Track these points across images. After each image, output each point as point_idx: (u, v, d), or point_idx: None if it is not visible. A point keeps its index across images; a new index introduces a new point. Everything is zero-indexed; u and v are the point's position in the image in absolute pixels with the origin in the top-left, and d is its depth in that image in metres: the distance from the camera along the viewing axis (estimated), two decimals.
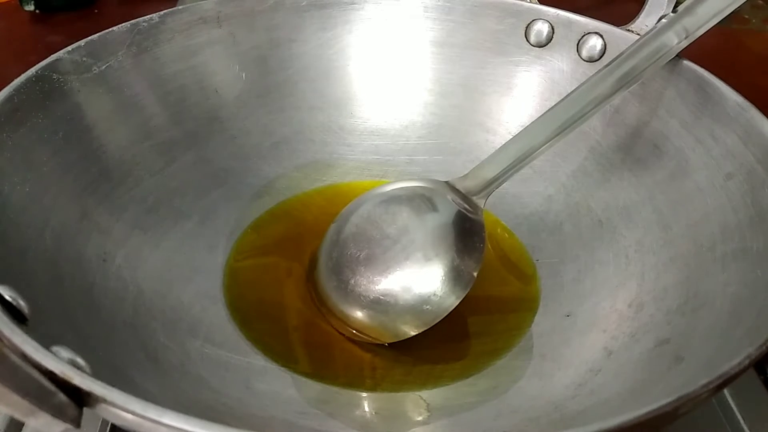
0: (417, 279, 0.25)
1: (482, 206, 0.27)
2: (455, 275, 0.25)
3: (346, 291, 0.25)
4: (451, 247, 0.25)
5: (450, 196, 0.26)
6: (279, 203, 0.31)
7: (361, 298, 0.25)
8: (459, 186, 0.27)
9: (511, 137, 0.27)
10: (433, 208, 0.26)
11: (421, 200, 0.26)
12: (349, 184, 0.32)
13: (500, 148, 0.27)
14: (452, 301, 0.24)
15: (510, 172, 0.26)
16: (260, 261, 0.29)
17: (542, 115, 0.26)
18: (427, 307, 0.24)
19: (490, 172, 0.26)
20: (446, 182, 0.27)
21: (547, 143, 0.26)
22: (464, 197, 0.26)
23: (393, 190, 0.27)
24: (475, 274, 0.25)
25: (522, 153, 0.26)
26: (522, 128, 0.27)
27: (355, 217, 0.27)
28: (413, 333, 0.24)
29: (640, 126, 0.28)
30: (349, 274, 0.25)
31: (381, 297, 0.25)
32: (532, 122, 0.26)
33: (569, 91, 0.26)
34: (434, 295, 0.24)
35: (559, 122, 0.26)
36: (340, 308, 0.25)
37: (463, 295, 0.24)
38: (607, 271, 0.26)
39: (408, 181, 0.28)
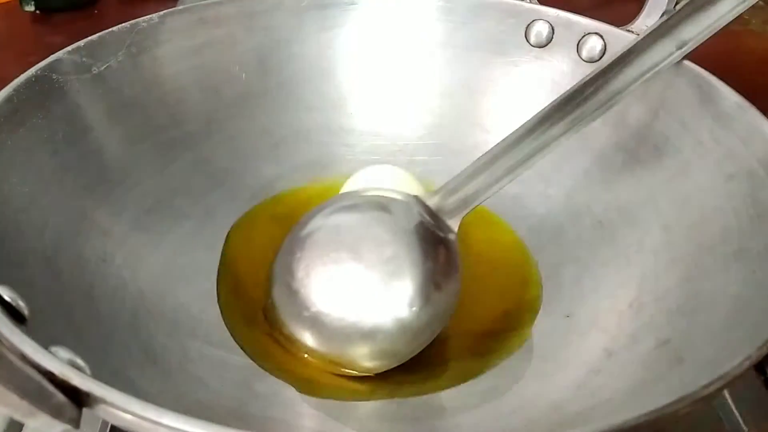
0: (390, 318, 0.23)
1: (455, 228, 0.25)
2: (432, 311, 0.23)
3: (321, 330, 0.23)
4: (427, 284, 0.23)
5: (420, 215, 0.24)
6: (279, 203, 0.31)
7: (338, 335, 0.23)
8: (430, 203, 0.25)
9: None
10: (406, 232, 0.24)
11: (391, 225, 0.24)
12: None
13: (479, 163, 0.25)
14: (427, 337, 0.23)
15: (484, 195, 0.25)
16: (259, 261, 0.29)
17: (525, 125, 0.25)
18: (395, 345, 0.23)
19: (467, 191, 0.25)
20: (416, 197, 0.25)
21: (528, 161, 0.25)
22: (435, 216, 0.25)
23: (353, 211, 0.25)
24: (453, 303, 0.23)
25: (498, 174, 0.25)
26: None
27: (311, 237, 0.24)
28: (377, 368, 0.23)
29: (640, 126, 0.28)
30: (317, 314, 0.23)
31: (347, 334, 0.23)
32: (510, 135, 0.25)
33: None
34: (407, 330, 0.23)
35: (547, 137, 0.25)
36: (312, 347, 0.23)
37: (442, 326, 0.23)
38: (608, 271, 0.26)
39: (373, 193, 0.26)
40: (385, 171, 0.30)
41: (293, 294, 0.23)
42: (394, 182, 0.28)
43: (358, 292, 0.23)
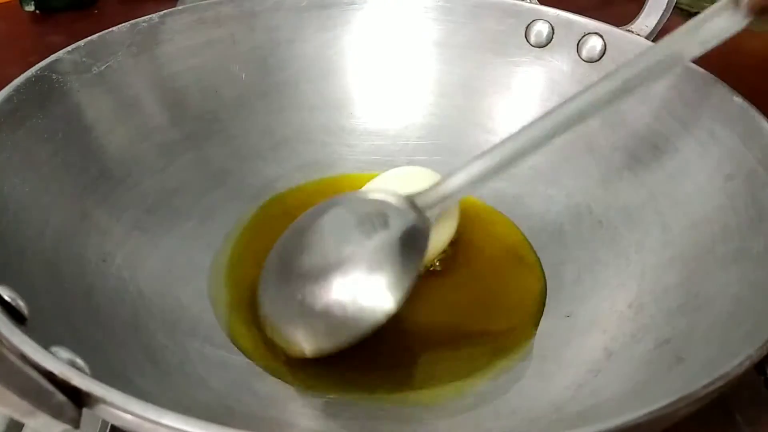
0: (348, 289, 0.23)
1: (432, 219, 0.25)
2: (387, 282, 0.23)
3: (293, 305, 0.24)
4: (388, 260, 0.23)
5: (397, 209, 0.25)
6: (279, 204, 0.31)
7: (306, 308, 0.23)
8: (417, 200, 0.25)
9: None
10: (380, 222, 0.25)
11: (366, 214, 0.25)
12: (349, 184, 0.32)
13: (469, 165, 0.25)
14: (380, 314, 0.23)
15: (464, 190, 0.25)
16: (258, 262, 0.29)
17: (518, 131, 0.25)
18: (354, 315, 0.23)
19: (447, 188, 0.25)
20: (405, 196, 0.25)
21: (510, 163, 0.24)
22: (414, 207, 0.25)
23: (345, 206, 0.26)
24: (409, 283, 0.23)
25: (485, 170, 0.25)
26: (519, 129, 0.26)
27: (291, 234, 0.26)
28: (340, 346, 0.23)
29: (640, 126, 0.28)
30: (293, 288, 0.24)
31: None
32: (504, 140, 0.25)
33: (569, 92, 0.26)
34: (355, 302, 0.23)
35: (540, 138, 0.24)
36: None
37: (397, 304, 0.23)
38: (608, 271, 0.26)
39: (362, 195, 0.26)
40: (414, 172, 0.30)
41: (278, 287, 0.25)
42: (422, 183, 0.28)
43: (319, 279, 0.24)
